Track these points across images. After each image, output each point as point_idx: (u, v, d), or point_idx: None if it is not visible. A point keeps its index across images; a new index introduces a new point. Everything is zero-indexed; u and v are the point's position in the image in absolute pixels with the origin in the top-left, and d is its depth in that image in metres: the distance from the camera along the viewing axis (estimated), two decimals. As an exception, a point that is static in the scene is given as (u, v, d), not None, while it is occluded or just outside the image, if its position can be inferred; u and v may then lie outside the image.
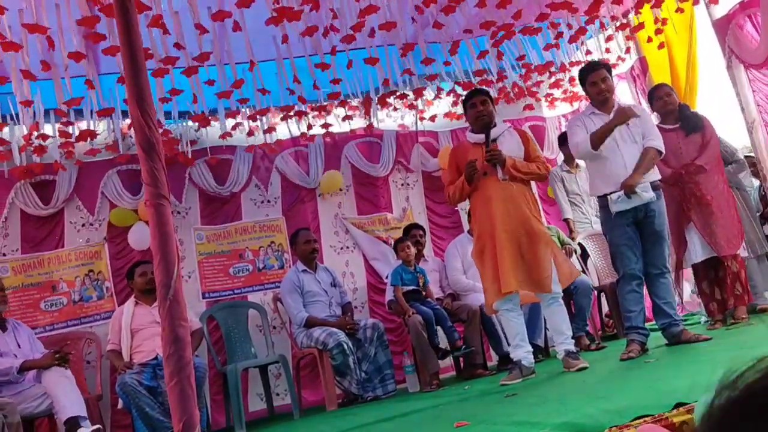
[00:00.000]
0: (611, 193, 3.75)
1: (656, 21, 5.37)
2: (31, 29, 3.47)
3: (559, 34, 5.30)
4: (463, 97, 4.20)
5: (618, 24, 5.61)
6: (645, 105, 6.15)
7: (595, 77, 3.91)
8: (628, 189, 3.67)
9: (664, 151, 3.86)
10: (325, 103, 5.60)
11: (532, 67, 5.91)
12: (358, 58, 4.82)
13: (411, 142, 6.48)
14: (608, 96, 3.92)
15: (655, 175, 3.82)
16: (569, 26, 5.24)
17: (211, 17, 3.84)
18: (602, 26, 5.63)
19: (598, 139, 3.76)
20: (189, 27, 3.83)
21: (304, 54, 4.60)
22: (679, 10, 5.25)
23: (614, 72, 6.29)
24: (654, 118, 4.61)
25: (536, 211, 3.85)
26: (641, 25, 5.49)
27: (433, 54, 5.11)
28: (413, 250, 5.13)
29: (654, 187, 3.76)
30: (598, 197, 3.95)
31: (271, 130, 5.61)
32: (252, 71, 4.47)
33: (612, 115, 3.84)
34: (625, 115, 3.73)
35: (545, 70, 6.06)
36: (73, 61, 3.79)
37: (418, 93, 5.73)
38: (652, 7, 5.17)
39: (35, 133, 4.74)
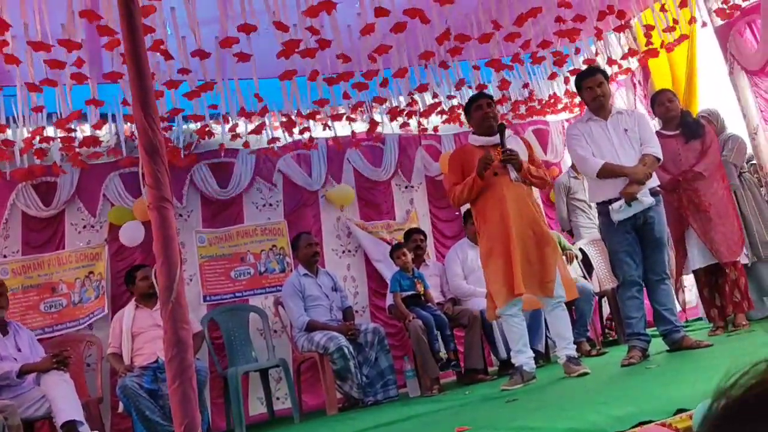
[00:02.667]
0: (611, 200, 3.75)
1: (663, 46, 5.40)
2: (35, 47, 3.47)
3: (564, 59, 5.36)
4: (467, 101, 4.19)
5: (626, 50, 5.68)
6: (643, 110, 6.19)
7: (590, 82, 3.91)
8: (628, 197, 3.67)
9: (662, 158, 3.86)
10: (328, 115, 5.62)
11: (536, 97, 6.03)
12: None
13: (414, 146, 6.48)
14: (603, 101, 3.92)
15: (653, 181, 3.82)
16: (577, 51, 5.32)
17: (219, 44, 3.84)
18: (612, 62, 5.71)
19: (608, 174, 3.75)
20: (192, 49, 3.85)
21: (307, 75, 4.63)
22: (684, 36, 5.34)
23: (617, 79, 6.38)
24: (656, 124, 4.62)
25: (542, 214, 3.88)
26: (655, 51, 5.50)
27: (437, 81, 5.22)
28: (410, 256, 5.13)
29: (653, 193, 3.76)
30: (598, 204, 3.95)
31: (274, 141, 5.61)
32: (261, 102, 4.49)
33: (609, 122, 3.86)
34: (633, 191, 3.68)
35: (549, 103, 6.20)
36: (77, 75, 3.82)
37: (425, 113, 5.77)
38: (664, 31, 5.20)
39: (38, 137, 4.75)
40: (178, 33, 3.78)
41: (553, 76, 5.68)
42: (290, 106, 4.88)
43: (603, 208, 3.84)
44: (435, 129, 6.35)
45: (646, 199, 3.67)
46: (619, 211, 3.69)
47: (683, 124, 4.37)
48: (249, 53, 3.89)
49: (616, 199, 3.72)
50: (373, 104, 5.54)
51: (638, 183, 3.68)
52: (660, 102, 4.45)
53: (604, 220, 3.88)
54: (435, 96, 5.48)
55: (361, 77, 4.59)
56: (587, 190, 4.52)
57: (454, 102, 5.80)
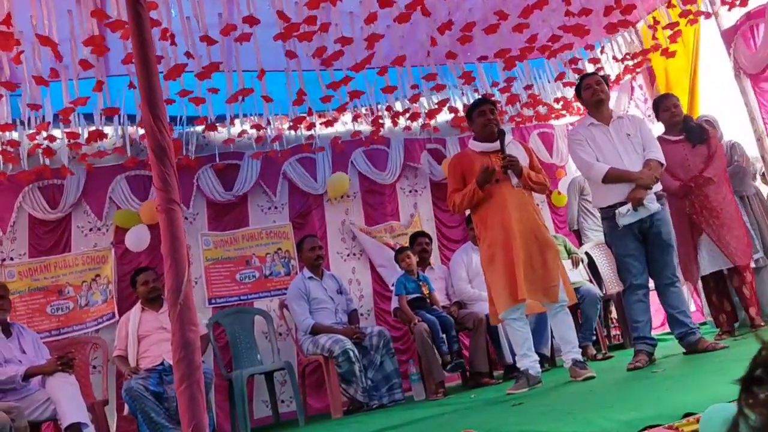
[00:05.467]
0: (616, 204, 3.75)
1: (672, 37, 5.39)
2: (42, 41, 3.49)
3: (573, 60, 5.36)
4: (469, 106, 4.20)
5: (636, 52, 5.69)
6: (639, 113, 6.20)
7: (589, 81, 3.97)
8: (636, 202, 3.66)
9: (665, 163, 3.86)
10: (333, 111, 5.61)
11: (539, 97, 6.01)
12: (371, 86, 4.94)
13: (419, 149, 6.48)
14: (603, 97, 3.93)
15: (658, 186, 3.81)
16: (588, 47, 5.30)
17: (220, 32, 3.86)
18: (617, 61, 5.71)
19: (613, 179, 3.76)
20: (197, 33, 3.86)
21: (314, 68, 4.62)
22: (692, 21, 5.32)
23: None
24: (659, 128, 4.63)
25: (543, 220, 3.88)
26: (657, 47, 5.50)
27: (444, 77, 5.18)
28: (415, 259, 5.13)
29: (658, 197, 3.76)
30: (602, 208, 3.95)
31: (278, 138, 5.62)
32: (261, 79, 4.47)
33: (611, 127, 3.87)
34: (641, 195, 3.68)
35: (555, 109, 6.20)
36: (82, 68, 3.83)
37: (431, 115, 5.75)
38: (664, 28, 5.19)
39: (44, 134, 4.75)
40: (182, 14, 3.79)
41: (561, 76, 5.67)
42: (293, 91, 4.86)
43: (608, 212, 3.83)
44: (452, 123, 6.35)
45: (652, 205, 3.67)
46: (626, 216, 3.69)
47: (687, 129, 4.37)
48: (249, 32, 3.90)
49: (622, 204, 3.71)
50: (378, 105, 5.53)
51: (645, 188, 3.68)
52: (665, 107, 4.44)
53: (609, 224, 3.87)
54: (441, 88, 5.40)
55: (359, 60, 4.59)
56: (592, 194, 4.52)
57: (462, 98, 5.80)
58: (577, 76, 5.59)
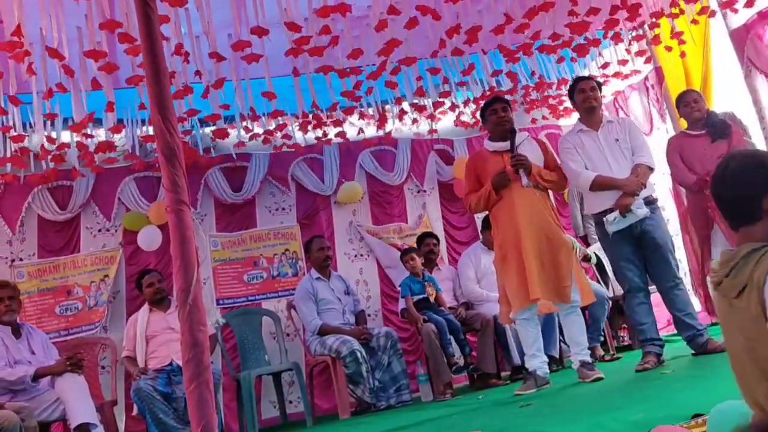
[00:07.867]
0: (605, 211, 3.75)
1: (672, 32, 5.35)
2: (51, 54, 3.50)
3: (570, 42, 5.31)
4: (482, 105, 4.20)
5: (633, 35, 5.63)
6: (657, 116, 6.15)
7: (583, 85, 3.96)
8: (623, 209, 3.66)
9: (654, 168, 3.87)
10: (341, 111, 5.62)
11: (546, 81, 5.94)
12: (378, 84, 4.98)
13: (426, 150, 6.48)
14: (595, 105, 3.94)
15: (648, 191, 3.81)
16: (587, 40, 5.26)
17: (231, 47, 3.87)
18: (618, 37, 5.65)
19: (600, 187, 3.77)
20: (207, 51, 3.87)
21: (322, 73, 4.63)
22: (694, 21, 5.27)
23: (627, 82, 6.35)
24: (665, 130, 4.61)
25: (557, 219, 3.88)
26: (657, 38, 5.47)
27: (447, 72, 5.18)
28: (419, 261, 5.14)
29: (649, 202, 3.75)
30: (594, 215, 3.95)
31: (287, 137, 5.64)
32: (271, 100, 4.49)
33: (600, 132, 3.86)
34: (627, 202, 3.68)
35: (560, 86, 6.13)
36: (95, 75, 3.85)
37: (436, 106, 5.74)
38: (668, 16, 5.16)
39: (54, 145, 4.78)
40: (191, 33, 3.80)
41: (561, 60, 5.62)
42: (304, 103, 4.88)
43: (598, 218, 3.84)
44: (456, 123, 6.33)
45: (639, 210, 3.67)
46: (614, 223, 3.70)
47: (709, 125, 4.35)
48: (260, 54, 3.91)
49: (611, 210, 3.72)
50: (386, 105, 5.52)
51: (632, 194, 3.68)
52: (685, 102, 4.44)
53: (601, 230, 3.87)
54: (445, 81, 5.38)
55: (372, 67, 4.60)
56: (584, 201, 4.51)
57: (466, 92, 5.77)
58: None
